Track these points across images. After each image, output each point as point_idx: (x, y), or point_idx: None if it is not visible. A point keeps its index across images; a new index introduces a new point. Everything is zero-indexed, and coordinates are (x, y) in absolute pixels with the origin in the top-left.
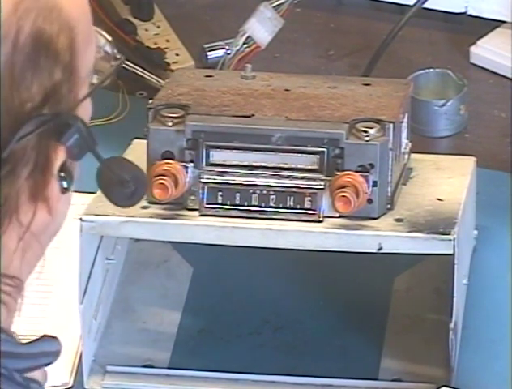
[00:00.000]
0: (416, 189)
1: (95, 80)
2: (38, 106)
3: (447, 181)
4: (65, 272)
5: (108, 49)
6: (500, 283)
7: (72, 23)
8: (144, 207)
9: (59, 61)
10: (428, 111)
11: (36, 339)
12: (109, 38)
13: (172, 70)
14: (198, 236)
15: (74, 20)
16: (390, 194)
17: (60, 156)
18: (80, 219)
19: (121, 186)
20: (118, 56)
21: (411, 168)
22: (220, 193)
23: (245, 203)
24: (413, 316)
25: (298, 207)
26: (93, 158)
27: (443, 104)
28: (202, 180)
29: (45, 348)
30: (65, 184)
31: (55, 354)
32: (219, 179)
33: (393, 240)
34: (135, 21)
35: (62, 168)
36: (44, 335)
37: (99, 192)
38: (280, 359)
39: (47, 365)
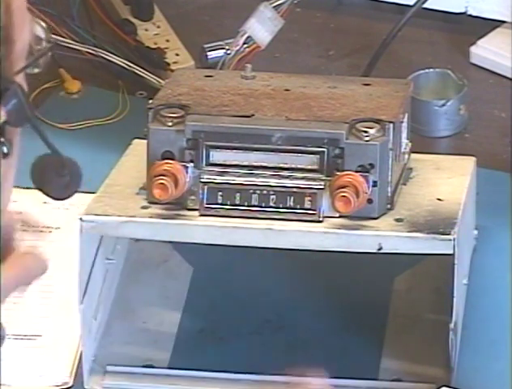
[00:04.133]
0: (416, 189)
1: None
2: None
3: (447, 181)
4: (65, 272)
5: (42, 35)
6: (500, 283)
7: None
8: (144, 207)
9: None
10: (428, 111)
11: None
12: (44, 25)
13: (172, 70)
14: (198, 236)
15: None
16: (390, 194)
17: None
18: (80, 219)
19: (57, 176)
20: (51, 40)
21: (411, 168)
22: (220, 193)
23: (245, 203)
24: (413, 316)
25: (298, 207)
26: (92, 159)
27: (443, 104)
28: (202, 180)
29: None
30: (5, 149)
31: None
32: (219, 179)
33: (393, 240)
34: (135, 21)
35: (1, 133)
36: None
37: (99, 192)
38: (280, 359)
39: None
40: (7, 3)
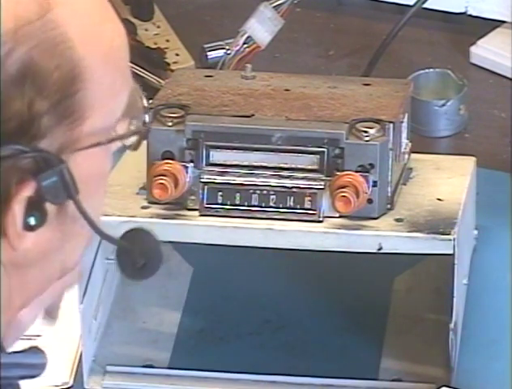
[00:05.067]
0: (416, 189)
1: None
2: (11, 132)
3: (447, 181)
4: None
5: (144, 103)
6: (500, 283)
7: (80, 67)
8: (144, 207)
9: (44, 95)
10: (428, 111)
11: (23, 350)
12: (146, 104)
13: (172, 70)
14: (198, 236)
15: (85, 66)
16: (390, 194)
17: (25, 191)
18: None
19: (130, 257)
20: (146, 122)
21: (411, 168)
22: (220, 193)
23: (246, 203)
24: (413, 316)
25: (298, 207)
26: None
27: (443, 104)
28: (202, 180)
29: (32, 360)
30: (32, 220)
31: (41, 367)
32: (219, 179)
33: (393, 240)
34: (135, 21)
35: (31, 203)
36: (31, 347)
37: None
38: (280, 359)
39: (33, 377)
40: (75, 70)
